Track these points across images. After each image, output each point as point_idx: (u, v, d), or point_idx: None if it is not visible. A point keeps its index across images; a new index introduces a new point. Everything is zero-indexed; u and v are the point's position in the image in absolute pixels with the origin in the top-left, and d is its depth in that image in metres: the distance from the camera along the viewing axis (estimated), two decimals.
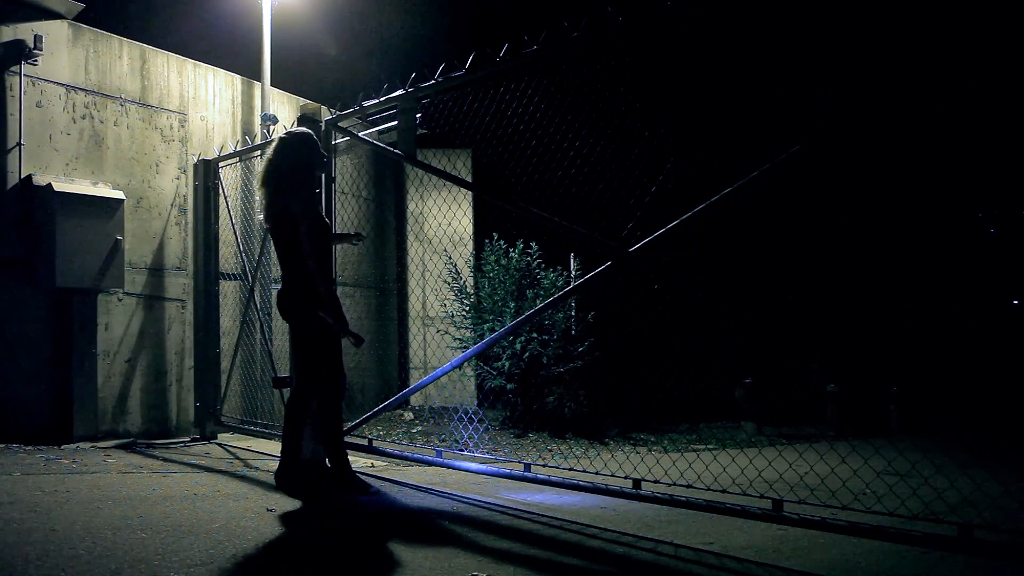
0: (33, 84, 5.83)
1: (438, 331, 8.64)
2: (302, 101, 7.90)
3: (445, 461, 4.53)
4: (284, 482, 4.09)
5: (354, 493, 3.98)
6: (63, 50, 6.03)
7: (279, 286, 4.09)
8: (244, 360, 6.60)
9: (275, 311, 4.62)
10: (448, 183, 4.56)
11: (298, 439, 4.14)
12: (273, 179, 3.93)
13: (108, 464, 4.83)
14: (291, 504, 3.71)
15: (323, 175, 4.69)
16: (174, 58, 6.83)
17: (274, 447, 5.81)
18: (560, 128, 4.10)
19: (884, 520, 2.85)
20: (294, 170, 3.92)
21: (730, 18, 3.19)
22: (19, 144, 5.70)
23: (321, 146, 4.20)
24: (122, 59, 6.43)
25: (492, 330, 7.88)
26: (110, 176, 6.26)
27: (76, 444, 5.66)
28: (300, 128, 4.31)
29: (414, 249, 9.36)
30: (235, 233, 6.47)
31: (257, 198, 4.10)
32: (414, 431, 7.68)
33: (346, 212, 5.58)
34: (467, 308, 8.42)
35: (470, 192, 8.57)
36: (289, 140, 4.01)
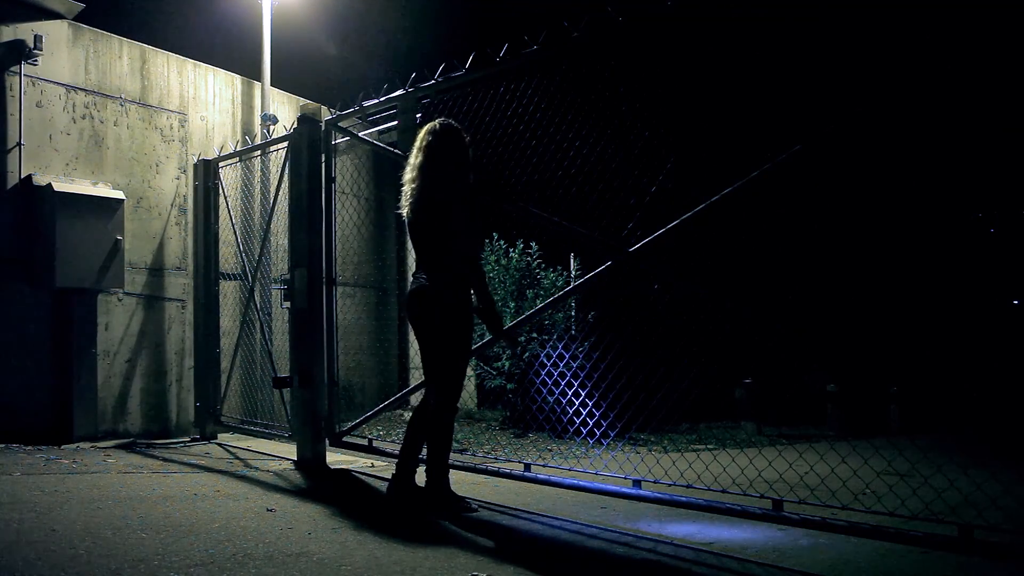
0: (33, 84, 5.83)
1: None
2: (302, 101, 7.90)
3: None
4: (401, 504, 3.74)
5: (455, 512, 3.59)
6: (63, 50, 6.03)
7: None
8: (244, 360, 6.59)
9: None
10: None
11: (416, 456, 3.80)
12: (423, 169, 3.62)
13: (108, 464, 4.83)
14: (292, 504, 3.71)
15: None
16: (174, 58, 6.83)
17: (274, 447, 5.81)
18: (560, 128, 4.09)
19: (884, 520, 2.85)
20: (446, 159, 3.60)
21: (729, 18, 3.19)
22: (19, 144, 5.71)
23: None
24: (122, 59, 6.43)
25: None
26: (110, 176, 6.26)
27: (76, 444, 5.66)
28: (448, 120, 3.82)
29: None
30: (235, 233, 6.47)
31: (404, 190, 3.70)
32: None
33: (346, 212, 5.58)
34: None
35: None
36: (443, 129, 3.67)
